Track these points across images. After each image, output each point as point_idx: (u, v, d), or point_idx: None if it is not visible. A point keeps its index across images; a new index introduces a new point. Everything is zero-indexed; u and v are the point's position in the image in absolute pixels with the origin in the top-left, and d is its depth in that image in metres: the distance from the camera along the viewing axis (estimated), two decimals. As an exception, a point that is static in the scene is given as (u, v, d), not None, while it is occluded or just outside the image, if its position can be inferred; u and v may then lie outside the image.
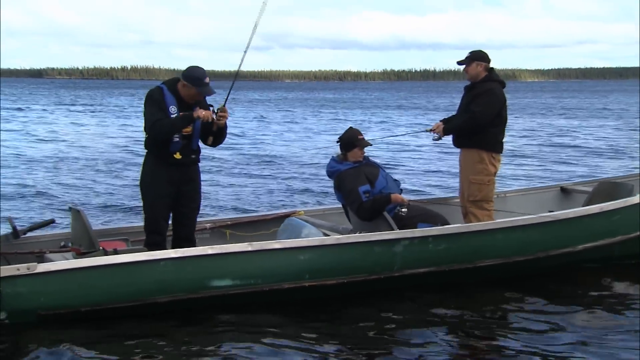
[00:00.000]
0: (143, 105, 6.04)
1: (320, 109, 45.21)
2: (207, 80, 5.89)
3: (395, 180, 6.80)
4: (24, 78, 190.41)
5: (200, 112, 5.84)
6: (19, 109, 40.10)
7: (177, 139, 5.91)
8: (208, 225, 6.81)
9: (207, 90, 5.88)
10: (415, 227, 6.22)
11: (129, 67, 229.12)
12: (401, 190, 6.70)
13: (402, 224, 6.29)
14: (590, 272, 6.62)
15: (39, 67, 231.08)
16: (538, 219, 6.42)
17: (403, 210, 6.34)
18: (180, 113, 5.88)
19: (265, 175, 14.47)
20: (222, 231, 6.87)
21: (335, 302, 5.78)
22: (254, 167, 15.86)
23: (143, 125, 6.05)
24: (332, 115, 38.19)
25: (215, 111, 5.97)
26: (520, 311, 5.80)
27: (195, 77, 5.87)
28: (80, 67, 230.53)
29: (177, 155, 5.92)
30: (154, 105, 5.89)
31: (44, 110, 40.83)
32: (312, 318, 5.55)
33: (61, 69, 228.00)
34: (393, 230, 6.15)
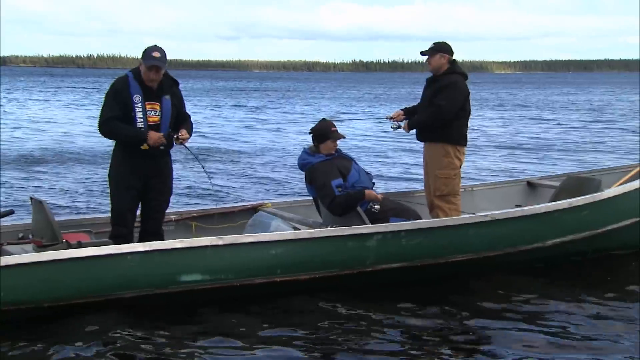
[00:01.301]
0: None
1: (287, 99, 44.99)
2: (156, 54, 5.69)
3: (368, 173, 6.70)
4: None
5: (152, 139, 5.68)
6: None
7: (143, 128, 5.73)
8: (173, 217, 6.64)
9: (150, 61, 5.66)
10: (388, 222, 6.14)
11: (95, 56, 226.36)
12: (373, 183, 6.60)
13: (375, 218, 6.20)
14: (557, 268, 6.61)
15: (2, 55, 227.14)
16: (510, 213, 6.39)
17: (376, 207, 6.25)
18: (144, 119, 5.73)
19: (231, 167, 14.30)
20: (187, 223, 6.71)
21: (307, 298, 5.67)
22: (220, 158, 15.67)
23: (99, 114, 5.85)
24: (299, 106, 37.99)
25: (174, 135, 5.79)
26: (492, 308, 5.76)
27: (145, 51, 5.74)
28: (45, 55, 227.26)
29: (144, 146, 5.73)
30: (113, 98, 5.75)
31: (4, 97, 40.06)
32: (282, 315, 5.44)
33: (25, 56, 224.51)
34: (365, 224, 6.06)
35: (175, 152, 6.01)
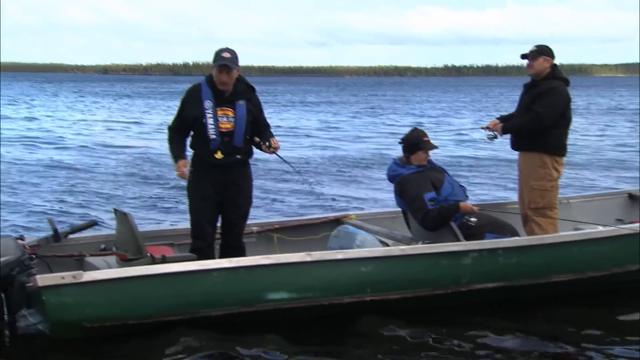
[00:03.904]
0: None
1: (376, 106, 44.64)
2: (226, 55, 5.54)
3: (461, 185, 6.39)
4: (90, 74, 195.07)
5: (177, 170, 5.69)
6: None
7: (215, 136, 5.58)
8: (255, 229, 6.48)
9: (220, 61, 5.52)
10: (483, 238, 5.81)
11: (191, 63, 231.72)
12: (467, 196, 6.29)
13: (469, 234, 5.88)
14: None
15: (103, 64, 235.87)
16: (618, 231, 5.97)
17: (472, 220, 5.93)
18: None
19: (313, 177, 13.97)
20: (269, 235, 6.54)
21: (398, 318, 5.39)
22: (301, 167, 15.37)
23: None
24: (388, 113, 37.59)
25: (266, 143, 5.66)
26: (599, 332, 5.39)
27: (215, 53, 5.61)
28: (143, 63, 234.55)
29: (218, 155, 5.59)
30: (180, 109, 5.79)
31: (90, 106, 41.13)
32: (373, 335, 5.19)
33: (125, 65, 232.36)
34: (459, 240, 5.75)
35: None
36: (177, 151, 5.77)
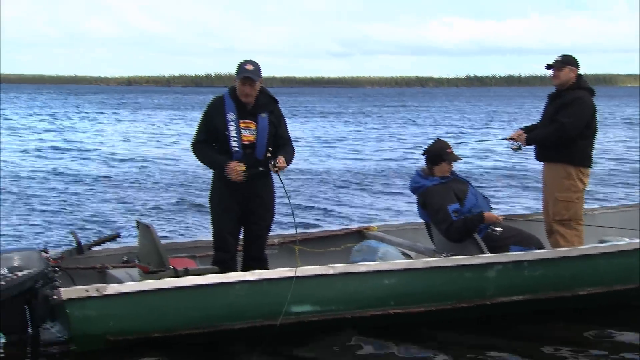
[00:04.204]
0: None
1: (396, 117, 44.54)
2: (249, 67, 5.54)
3: (485, 197, 6.33)
4: (114, 85, 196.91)
5: (230, 172, 5.49)
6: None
7: (237, 149, 5.57)
8: (276, 240, 6.47)
9: (243, 73, 5.50)
10: (507, 250, 5.76)
11: (213, 75, 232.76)
12: (491, 208, 6.22)
13: (493, 246, 5.82)
14: None
15: (127, 75, 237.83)
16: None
17: (497, 230, 5.87)
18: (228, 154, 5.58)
19: (335, 188, 13.98)
20: (290, 247, 6.48)
21: (423, 332, 5.36)
22: (323, 178, 15.40)
23: None
24: (409, 124, 37.48)
25: (272, 162, 5.57)
26: (630, 345, 5.29)
27: (238, 65, 5.59)
28: (166, 75, 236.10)
29: (241, 167, 5.55)
30: (205, 121, 5.72)
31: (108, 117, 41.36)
32: (399, 349, 5.14)
33: (148, 77, 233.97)
34: (483, 252, 5.69)
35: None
36: (217, 156, 5.65)
